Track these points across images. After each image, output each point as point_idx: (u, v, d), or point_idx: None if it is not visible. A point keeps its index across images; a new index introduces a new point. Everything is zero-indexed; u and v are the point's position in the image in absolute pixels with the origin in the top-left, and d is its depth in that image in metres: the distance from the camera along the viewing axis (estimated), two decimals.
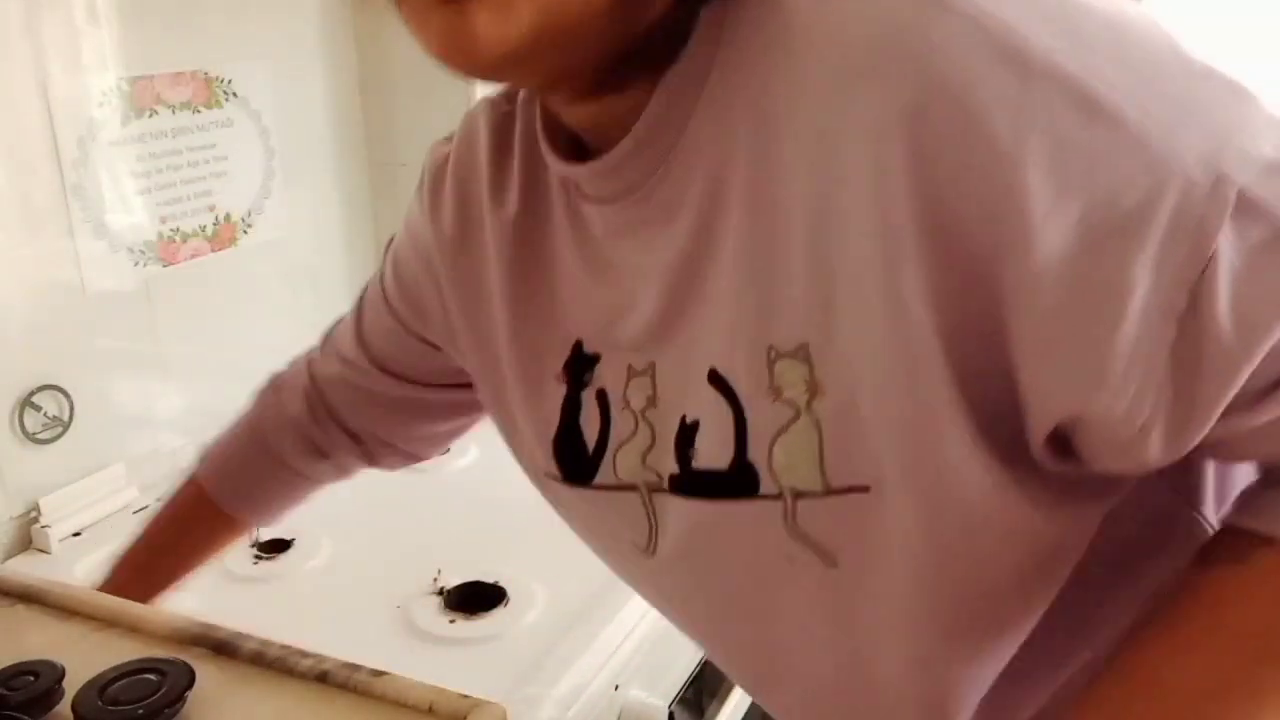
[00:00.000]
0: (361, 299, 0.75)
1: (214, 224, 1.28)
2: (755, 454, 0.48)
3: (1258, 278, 0.38)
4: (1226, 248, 0.38)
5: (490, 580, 1.04)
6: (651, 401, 0.53)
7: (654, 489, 0.54)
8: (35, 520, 1.10)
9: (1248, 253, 0.38)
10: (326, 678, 0.57)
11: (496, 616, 1.00)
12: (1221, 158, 0.38)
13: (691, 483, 0.52)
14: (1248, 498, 0.48)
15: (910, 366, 0.42)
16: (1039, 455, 0.44)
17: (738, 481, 0.49)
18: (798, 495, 0.47)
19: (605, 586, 0.99)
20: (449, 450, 1.32)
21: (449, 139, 0.63)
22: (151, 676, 0.55)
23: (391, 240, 0.72)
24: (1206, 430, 0.41)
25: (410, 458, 0.81)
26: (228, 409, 1.33)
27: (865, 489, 0.46)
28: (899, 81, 0.39)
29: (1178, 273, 0.38)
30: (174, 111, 1.21)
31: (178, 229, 1.23)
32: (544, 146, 0.54)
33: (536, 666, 0.89)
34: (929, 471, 0.45)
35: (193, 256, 1.26)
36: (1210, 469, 0.53)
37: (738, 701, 1.11)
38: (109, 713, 0.53)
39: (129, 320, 1.20)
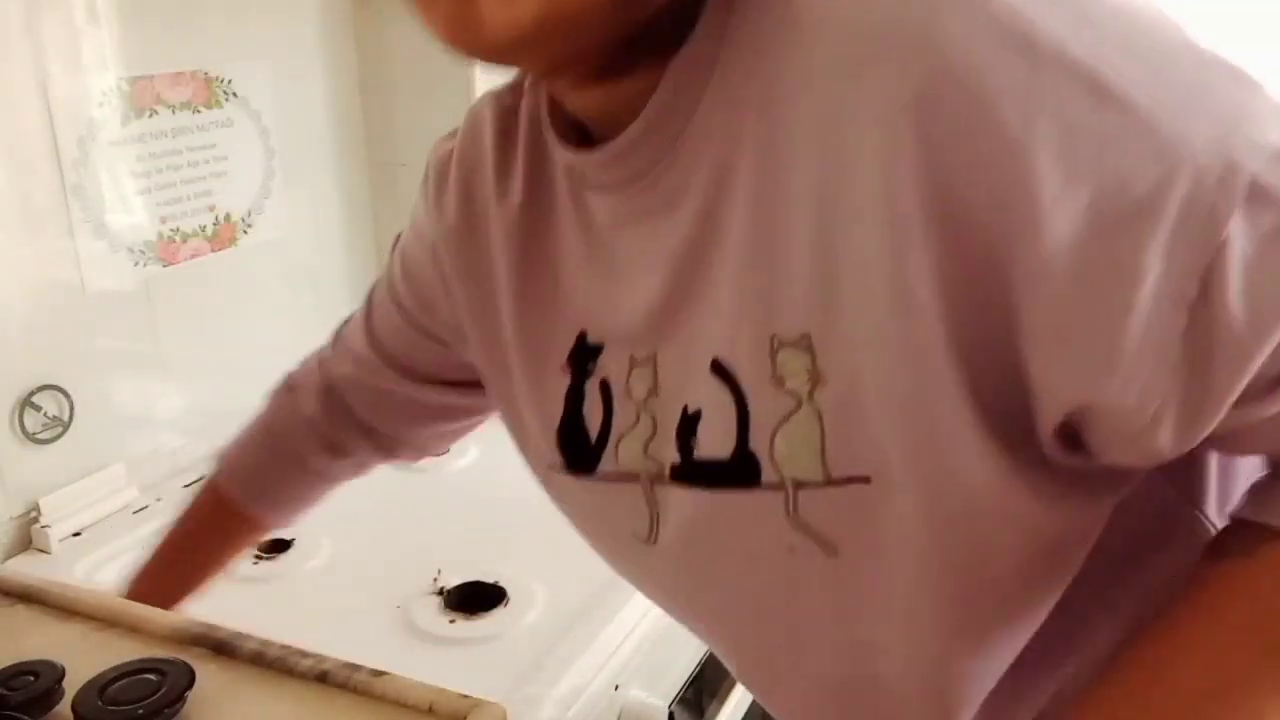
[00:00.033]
0: (370, 297, 0.75)
1: (214, 224, 1.28)
2: (757, 444, 0.48)
3: (1270, 266, 0.38)
4: (1238, 235, 0.38)
5: (490, 580, 1.04)
6: (653, 391, 0.53)
7: (655, 479, 0.54)
8: (35, 520, 1.10)
9: (1259, 240, 0.38)
10: (326, 678, 0.57)
11: (496, 616, 1.00)
12: (1231, 145, 0.38)
13: (693, 472, 0.51)
14: (1257, 491, 0.48)
15: (915, 356, 0.42)
16: (1048, 448, 0.44)
17: (739, 471, 0.49)
18: (799, 485, 0.47)
19: (605, 586, 0.99)
20: (449, 450, 1.33)
21: (453, 135, 0.63)
22: (151, 676, 0.55)
23: (398, 238, 0.72)
24: (1218, 420, 0.41)
25: (425, 452, 0.82)
26: (228, 409, 1.33)
27: (866, 479, 0.46)
28: (907, 68, 0.39)
29: (1189, 260, 0.38)
30: (174, 111, 1.21)
31: (178, 229, 1.23)
32: (549, 134, 0.54)
33: (536, 666, 0.89)
34: (932, 462, 0.44)
35: (193, 256, 1.26)
36: (1213, 468, 0.53)
37: (738, 701, 1.11)
38: (109, 713, 0.53)
39: (129, 320, 1.20)
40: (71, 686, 0.55)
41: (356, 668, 0.57)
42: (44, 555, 1.09)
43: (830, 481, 0.47)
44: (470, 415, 0.77)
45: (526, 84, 0.58)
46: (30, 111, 1.06)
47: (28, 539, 1.10)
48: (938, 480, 0.45)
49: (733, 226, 0.46)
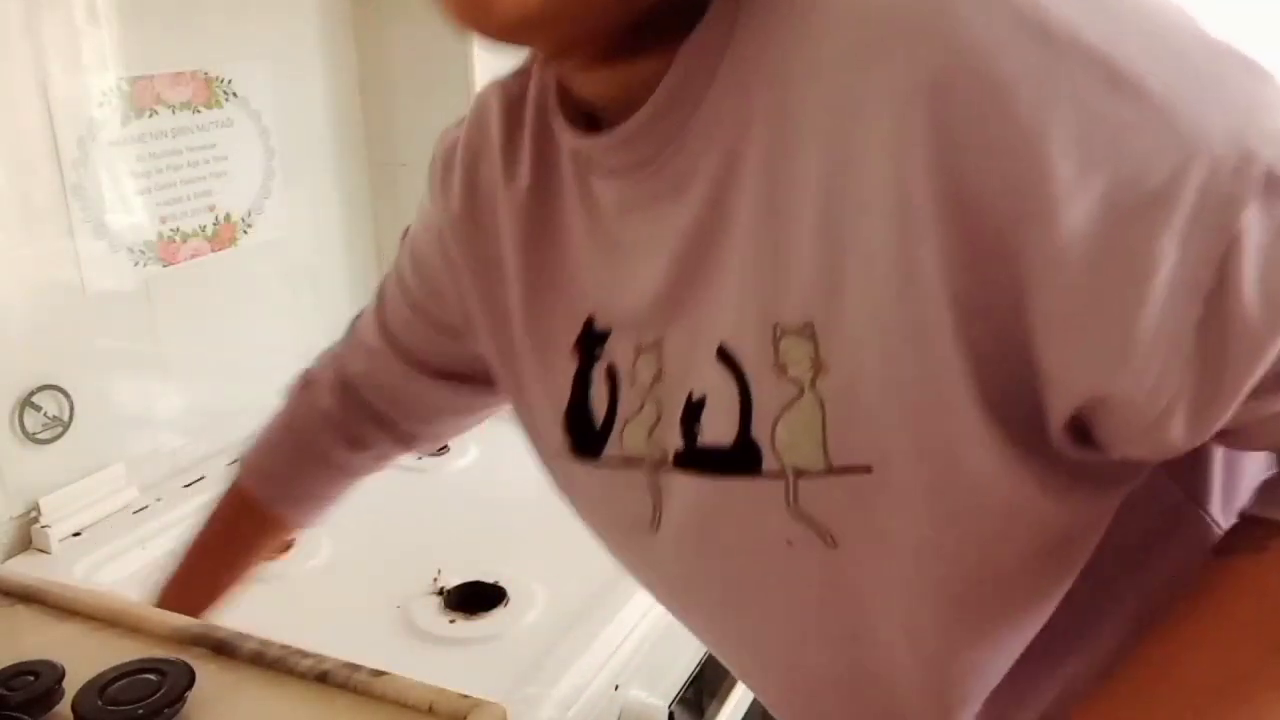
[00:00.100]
0: (381, 290, 0.75)
1: (214, 224, 1.28)
2: (759, 431, 0.48)
3: None
4: (1254, 225, 0.37)
5: (490, 580, 1.04)
6: (659, 377, 0.53)
7: (659, 465, 0.54)
8: (35, 520, 1.10)
9: (1275, 231, 0.38)
10: (326, 678, 0.57)
11: (496, 616, 1.00)
12: (1246, 135, 0.38)
13: (696, 459, 0.51)
14: (1267, 489, 0.48)
15: (920, 344, 0.42)
16: (1057, 441, 0.44)
17: (741, 459, 0.49)
18: (800, 474, 0.47)
19: (605, 586, 0.99)
20: (448, 450, 1.33)
21: (460, 123, 0.63)
22: (151, 676, 0.55)
23: (407, 231, 0.72)
24: (1230, 413, 0.41)
25: (442, 441, 0.82)
26: (228, 409, 1.34)
27: (868, 469, 0.46)
28: (921, 54, 0.39)
29: (1204, 250, 0.38)
30: (174, 111, 1.21)
31: (178, 229, 1.23)
32: (556, 119, 0.54)
33: (536, 666, 0.89)
34: (936, 452, 0.44)
35: (193, 256, 1.26)
36: (1218, 466, 0.53)
37: (738, 701, 1.11)
38: (109, 713, 0.53)
39: (129, 320, 1.20)
40: (71, 686, 0.55)
41: (356, 668, 0.57)
42: (44, 555, 1.09)
43: (831, 470, 0.46)
44: (484, 408, 0.77)
45: (533, 69, 0.58)
46: (30, 111, 1.06)
47: (28, 539, 1.10)
48: (941, 470, 0.45)
49: (740, 212, 0.46)
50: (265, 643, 0.60)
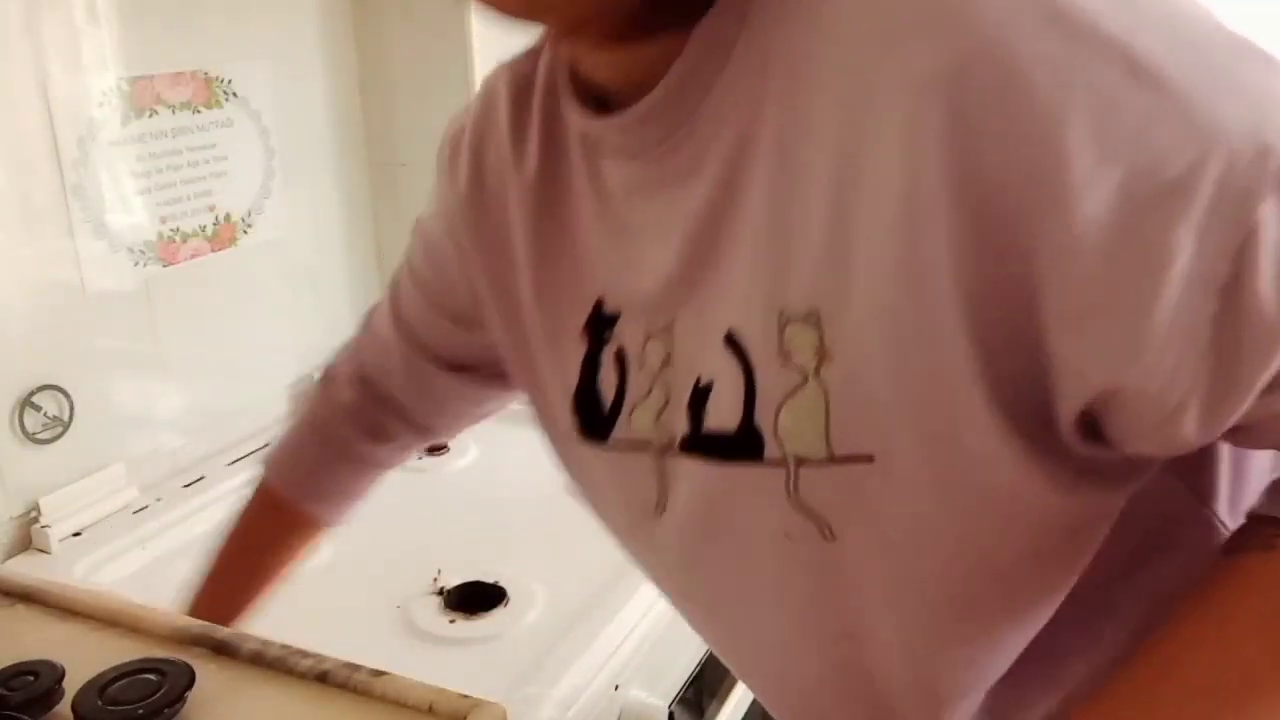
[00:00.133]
0: (395, 282, 0.75)
1: (214, 224, 1.28)
2: (762, 418, 0.48)
3: None
4: (1270, 219, 0.37)
5: (490, 580, 1.04)
6: (667, 362, 0.53)
7: (665, 449, 0.54)
8: (35, 520, 1.10)
9: None
10: (326, 678, 0.57)
11: (496, 616, 1.00)
12: (1264, 129, 0.37)
13: (701, 444, 0.51)
14: (1277, 487, 0.47)
15: (928, 335, 0.42)
16: (1066, 437, 0.44)
17: (744, 445, 0.49)
18: (801, 462, 0.47)
19: (605, 586, 0.99)
20: (448, 450, 1.33)
21: (468, 109, 0.63)
22: (151, 676, 0.55)
23: (418, 221, 0.72)
24: (1244, 409, 0.41)
25: (458, 430, 0.81)
26: (228, 409, 1.34)
27: (870, 459, 0.45)
28: (941, 40, 0.39)
29: (1220, 242, 0.37)
30: (174, 111, 1.21)
31: (178, 229, 1.23)
32: (567, 99, 0.54)
33: (536, 666, 0.89)
34: (941, 443, 0.44)
35: (193, 256, 1.26)
36: (1225, 467, 0.53)
37: (738, 701, 1.11)
38: (109, 713, 0.53)
39: (129, 320, 1.20)
40: (71, 686, 0.55)
41: (356, 668, 0.57)
42: (44, 555, 1.09)
43: (833, 459, 0.46)
44: (496, 399, 0.77)
45: (543, 50, 0.58)
46: (30, 111, 1.06)
47: (28, 539, 1.10)
48: (945, 462, 0.44)
49: (751, 197, 0.46)
50: (265, 643, 0.60)
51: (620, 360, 0.56)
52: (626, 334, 0.55)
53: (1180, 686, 0.45)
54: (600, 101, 0.52)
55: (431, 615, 1.00)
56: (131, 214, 1.18)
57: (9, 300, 1.07)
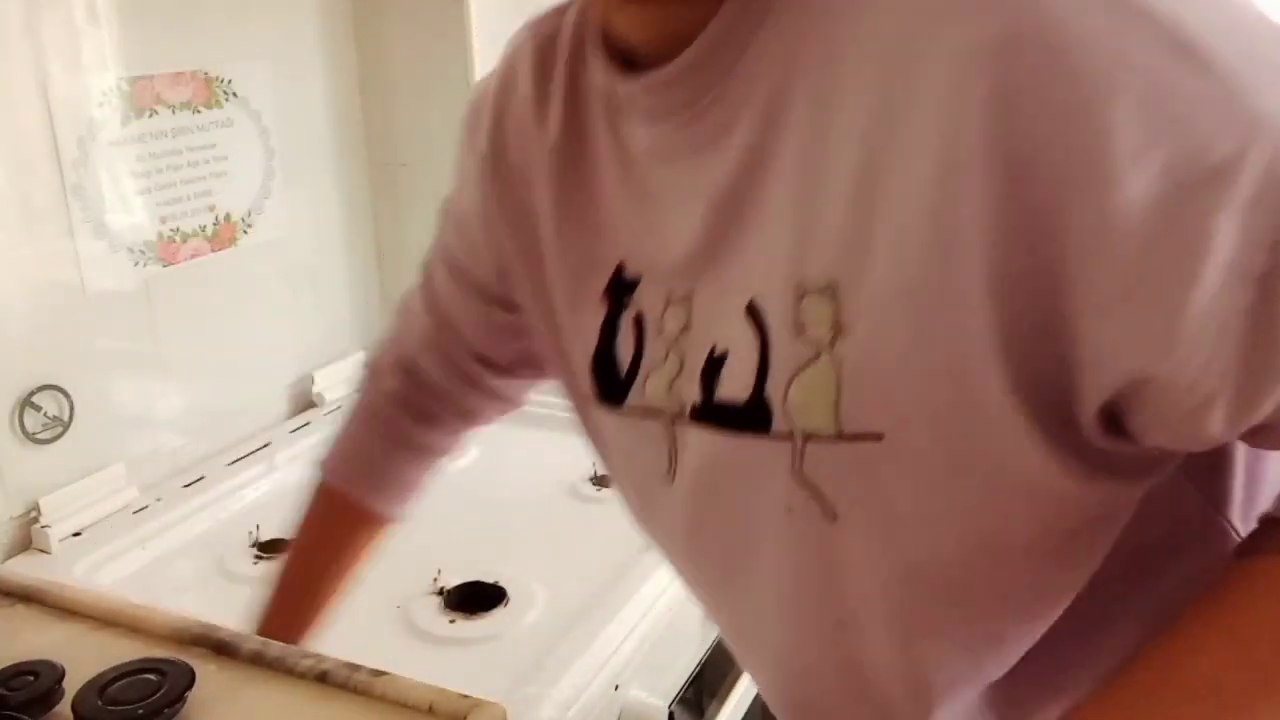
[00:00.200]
0: (425, 266, 0.75)
1: (214, 224, 1.28)
2: (772, 390, 0.47)
3: None
4: None
5: (490, 580, 1.04)
6: (685, 329, 0.52)
7: (676, 417, 0.54)
8: (35, 520, 1.10)
9: None
10: (326, 678, 0.57)
11: (496, 616, 1.00)
12: None
13: (711, 413, 0.51)
14: None
15: (951, 312, 0.41)
16: (1087, 428, 0.43)
17: (752, 416, 0.48)
18: (809, 437, 0.47)
19: (605, 586, 0.99)
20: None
21: (492, 72, 0.63)
22: (151, 676, 0.55)
23: (445, 200, 0.72)
24: (1272, 406, 0.40)
25: (504, 412, 0.79)
26: (228, 409, 1.34)
27: (878, 437, 0.45)
28: (992, 12, 0.38)
29: (1260, 233, 0.37)
30: (174, 111, 1.21)
31: (178, 229, 1.23)
32: (595, 58, 0.53)
33: (536, 666, 0.89)
34: (954, 425, 0.43)
35: (193, 256, 1.26)
36: (1239, 473, 0.52)
37: (738, 701, 1.11)
38: (109, 713, 0.53)
39: (129, 320, 1.20)
40: (71, 686, 0.55)
41: (356, 668, 0.57)
42: (44, 555, 1.09)
43: (841, 436, 0.46)
44: (531, 385, 0.76)
45: (568, 10, 0.58)
46: (30, 111, 1.06)
47: (28, 539, 1.10)
48: (957, 445, 0.44)
49: (781, 163, 0.46)
50: (265, 643, 0.60)
51: (639, 325, 0.55)
52: (646, 299, 0.55)
53: (1185, 687, 0.45)
54: (629, 65, 0.52)
55: (431, 615, 1.00)
56: (131, 214, 1.18)
57: (9, 300, 1.07)
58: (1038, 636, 0.51)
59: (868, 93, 0.42)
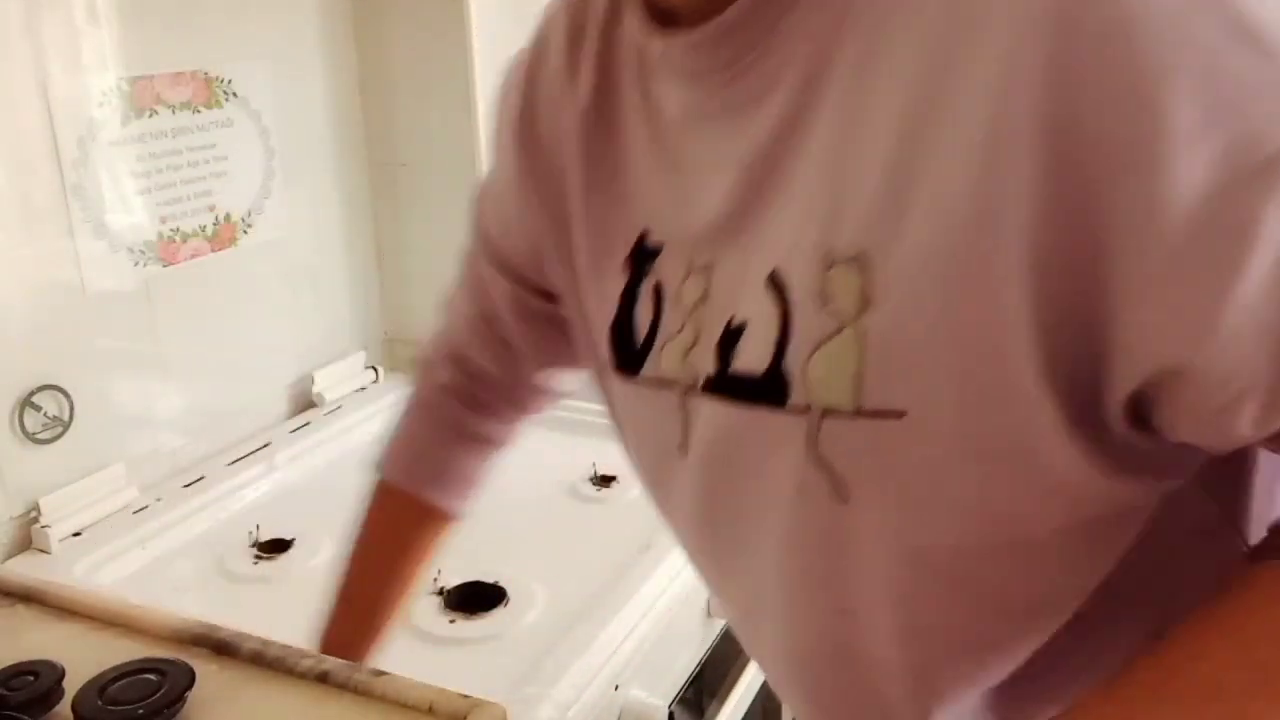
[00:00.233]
0: (465, 259, 0.74)
1: (214, 224, 1.28)
2: (792, 362, 0.46)
3: None
4: None
5: (490, 580, 1.04)
6: (703, 300, 0.52)
7: (690, 389, 0.53)
8: (35, 520, 1.10)
9: None
10: (326, 678, 0.57)
11: (496, 616, 1.00)
12: None
13: (725, 385, 0.50)
14: None
15: (984, 288, 0.40)
16: (1113, 419, 0.42)
17: (768, 388, 0.47)
18: (827, 413, 0.46)
19: (605, 586, 0.99)
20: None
21: (528, 42, 0.63)
22: (151, 676, 0.55)
23: (479, 187, 0.72)
24: None
25: (555, 399, 0.78)
26: (228, 409, 1.34)
27: (900, 414, 0.44)
28: None
29: None
30: (174, 111, 1.21)
31: (178, 229, 1.23)
32: (632, 17, 0.53)
33: (536, 666, 0.89)
34: (978, 405, 0.42)
35: (193, 256, 1.26)
36: (1257, 486, 0.52)
37: (738, 701, 1.11)
38: (109, 713, 0.53)
39: (129, 320, 1.20)
40: (71, 686, 0.55)
41: (356, 668, 0.57)
42: (44, 555, 1.09)
43: (860, 413, 0.45)
44: (570, 374, 0.76)
45: None
46: (30, 111, 1.06)
47: (28, 539, 1.10)
48: (979, 427, 0.43)
49: (816, 128, 0.45)
50: (265, 643, 0.60)
51: (657, 294, 0.55)
52: (666, 268, 0.54)
53: (1187, 688, 0.44)
54: (667, 23, 0.51)
55: (431, 615, 1.00)
56: (131, 214, 1.18)
57: (9, 300, 1.07)
58: (1042, 641, 0.51)
59: (915, 57, 0.41)
